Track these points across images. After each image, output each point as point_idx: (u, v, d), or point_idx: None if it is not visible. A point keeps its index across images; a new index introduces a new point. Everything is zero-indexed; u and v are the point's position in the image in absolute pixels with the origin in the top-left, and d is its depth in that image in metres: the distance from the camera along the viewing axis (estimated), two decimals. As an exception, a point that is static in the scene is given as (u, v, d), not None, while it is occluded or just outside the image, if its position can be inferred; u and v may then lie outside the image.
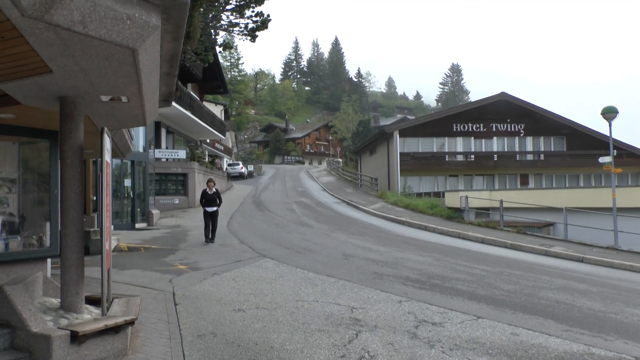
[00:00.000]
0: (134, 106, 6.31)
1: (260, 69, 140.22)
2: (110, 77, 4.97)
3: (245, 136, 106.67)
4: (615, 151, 18.00)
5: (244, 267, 11.83)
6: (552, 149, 38.85)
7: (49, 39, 3.94)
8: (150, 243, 15.71)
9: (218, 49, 23.78)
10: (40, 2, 3.39)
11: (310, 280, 10.44)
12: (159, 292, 9.23)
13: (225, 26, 17.61)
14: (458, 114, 38.57)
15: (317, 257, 13.33)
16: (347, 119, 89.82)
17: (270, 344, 6.43)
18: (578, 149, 37.96)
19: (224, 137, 45.32)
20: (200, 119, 33.05)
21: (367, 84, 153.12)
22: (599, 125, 36.63)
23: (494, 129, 38.03)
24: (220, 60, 45.43)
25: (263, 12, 17.35)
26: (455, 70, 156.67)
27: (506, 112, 37.80)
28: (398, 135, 35.83)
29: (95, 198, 16.44)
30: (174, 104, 24.70)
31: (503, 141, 38.39)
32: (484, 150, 37.87)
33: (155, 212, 22.19)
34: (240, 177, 53.02)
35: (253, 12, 17.23)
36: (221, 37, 18.27)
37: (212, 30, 17.80)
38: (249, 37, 17.78)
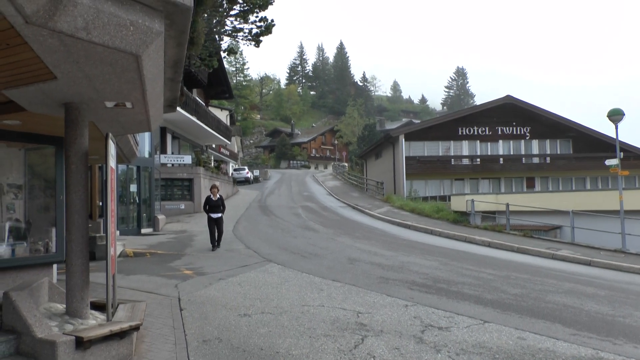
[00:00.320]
0: (138, 112, 6.32)
1: (265, 74, 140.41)
2: (114, 83, 4.98)
3: (251, 141, 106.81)
4: (622, 153, 17.89)
5: (249, 272, 11.82)
6: (559, 152, 38.68)
7: (52, 46, 3.95)
8: (156, 248, 15.73)
9: (223, 54, 23.83)
10: (44, 9, 3.40)
11: (316, 285, 10.42)
12: (165, 297, 9.23)
13: (230, 31, 17.65)
14: (464, 117, 38.48)
15: (322, 261, 13.31)
16: (353, 123, 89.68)
17: (276, 349, 6.42)
18: (584, 152, 37.77)
19: (229, 142, 45.38)
20: (205, 124, 33.11)
21: (372, 88, 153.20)
22: (606, 128, 36.49)
23: (499, 132, 37.91)
24: (226, 66, 45.50)
25: (267, 17, 17.40)
26: (461, 74, 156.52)
27: (512, 115, 37.68)
28: (404, 139, 35.76)
29: (101, 204, 16.49)
30: (179, 109, 24.76)
31: (509, 144, 38.26)
32: (489, 153, 37.75)
33: (161, 217, 22.23)
34: (246, 182, 53.07)
35: (257, 17, 17.26)
36: (225, 42, 18.31)
37: (217, 36, 17.84)
38: (253, 42, 17.81)
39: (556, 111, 38.66)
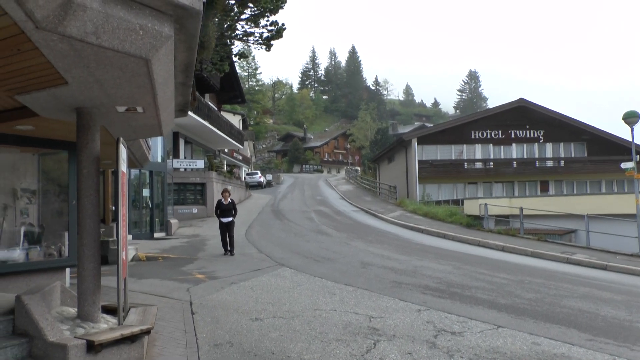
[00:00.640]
0: (149, 116, 6.34)
1: (277, 78, 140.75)
2: (125, 87, 4.99)
3: (264, 145, 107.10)
4: (638, 156, 17.66)
5: (262, 276, 11.81)
6: (573, 155, 38.34)
7: (63, 51, 3.97)
8: (168, 252, 15.78)
9: (234, 58, 23.92)
10: (54, 14, 3.42)
11: (328, 289, 10.38)
12: (177, 301, 9.23)
13: (241, 36, 17.68)
14: (476, 120, 38.28)
15: (335, 265, 13.28)
16: (365, 127, 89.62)
17: (288, 353, 6.39)
18: (599, 155, 37.38)
19: (242, 147, 45.53)
20: (218, 128, 33.24)
21: (384, 92, 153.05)
22: (620, 131, 35.98)
23: (512, 136, 37.66)
24: (238, 71, 45.73)
25: (278, 21, 17.39)
26: (473, 77, 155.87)
27: (525, 118, 37.42)
28: (416, 143, 35.64)
29: (114, 208, 16.57)
30: (191, 114, 24.88)
31: (522, 148, 37.98)
32: (503, 157, 37.51)
33: (173, 221, 22.31)
34: (258, 186, 53.18)
35: (268, 21, 17.26)
36: (236, 46, 18.33)
37: (228, 40, 17.88)
38: (264, 46, 17.84)
39: (570, 114, 38.37)
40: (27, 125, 7.02)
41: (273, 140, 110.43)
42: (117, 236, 6.36)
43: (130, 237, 17.34)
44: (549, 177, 37.96)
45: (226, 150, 47.30)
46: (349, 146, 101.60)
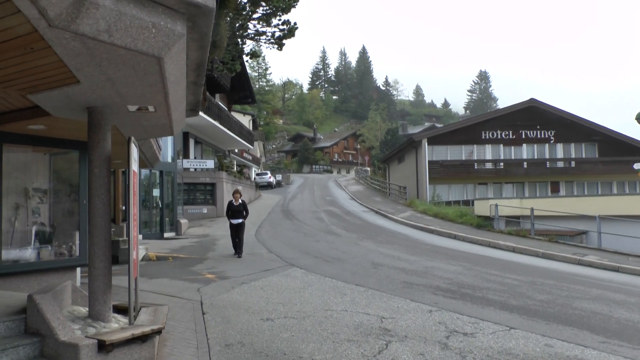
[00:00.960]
0: (161, 116, 6.33)
1: (288, 78, 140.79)
2: (136, 86, 4.98)
3: (274, 146, 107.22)
4: (650, 157, 17.55)
5: (272, 276, 11.79)
6: (584, 156, 38.01)
7: (75, 49, 3.96)
8: (178, 252, 15.81)
9: (245, 58, 23.95)
10: (67, 12, 3.41)
11: (339, 290, 10.35)
12: (187, 301, 9.23)
13: (252, 35, 17.69)
14: (487, 121, 38.07)
15: (345, 266, 13.24)
16: (375, 127, 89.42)
17: (299, 353, 6.36)
18: (610, 155, 37.05)
19: (252, 147, 45.58)
20: (228, 129, 33.29)
21: (394, 92, 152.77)
22: (632, 131, 35.54)
23: (523, 136, 37.41)
24: (248, 71, 45.71)
25: (290, 20, 17.37)
26: (483, 78, 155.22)
27: (536, 118, 37.16)
28: (426, 143, 35.51)
29: (124, 208, 16.62)
30: (202, 114, 24.89)
31: (533, 148, 37.72)
32: (513, 157, 37.27)
33: (183, 221, 22.36)
34: (268, 186, 53.22)
35: (280, 20, 17.26)
36: (248, 46, 18.27)
37: (239, 39, 17.89)
38: (276, 46, 17.83)
39: (582, 115, 38.08)
40: (39, 125, 7.04)
41: (283, 141, 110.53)
42: (129, 236, 6.35)
43: (140, 236, 17.37)
44: (559, 178, 37.69)
45: (236, 151, 47.38)
46: (358, 146, 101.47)
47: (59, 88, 5.06)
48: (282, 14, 16.95)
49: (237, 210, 15.19)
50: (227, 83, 33.47)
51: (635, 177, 27.63)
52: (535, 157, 37.54)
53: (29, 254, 8.27)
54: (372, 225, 23.87)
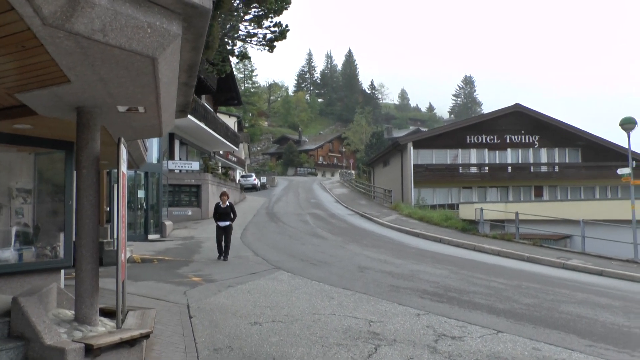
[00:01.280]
0: (151, 117, 6.26)
1: (273, 80, 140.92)
2: (128, 87, 4.92)
3: (259, 148, 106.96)
4: (634, 162, 17.72)
5: (258, 279, 11.73)
6: (567, 161, 38.44)
7: (68, 48, 3.89)
8: (163, 254, 15.67)
9: (234, 60, 23.90)
10: (62, 10, 3.34)
11: (326, 293, 10.32)
12: (174, 304, 9.15)
13: (244, 36, 17.60)
14: (472, 125, 38.35)
15: (332, 269, 13.21)
16: (360, 130, 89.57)
17: (289, 358, 6.31)
18: (593, 161, 37.52)
19: (237, 149, 45.42)
20: (214, 130, 33.14)
21: (380, 96, 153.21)
22: (615, 137, 36.05)
23: (508, 141, 37.72)
24: (234, 72, 45.56)
25: (281, 23, 17.31)
26: (468, 82, 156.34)
27: (520, 123, 37.51)
28: (412, 147, 35.64)
29: (108, 209, 16.44)
30: (188, 115, 24.74)
31: (517, 153, 38.05)
32: (498, 162, 37.57)
33: (168, 223, 22.20)
34: (253, 188, 53.02)
35: (271, 22, 17.19)
36: (238, 47, 18.12)
37: (230, 41, 17.79)
38: (267, 48, 17.75)
39: (566, 120, 38.50)
40: (25, 124, 6.92)
41: (268, 143, 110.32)
42: (117, 237, 6.27)
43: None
44: (543, 183, 38.06)
45: (221, 152, 47.19)
46: (343, 149, 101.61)
47: (49, 87, 4.96)
48: (274, 16, 16.88)
49: (224, 213, 15.01)
50: (214, 84, 33.32)
51: (617, 182, 27.91)
52: (520, 161, 37.88)
53: (11, 255, 8.12)
54: (357, 229, 23.88)
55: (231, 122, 50.32)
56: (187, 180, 28.00)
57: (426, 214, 27.04)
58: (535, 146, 37.99)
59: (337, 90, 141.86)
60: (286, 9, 16.91)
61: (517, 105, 37.58)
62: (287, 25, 17.45)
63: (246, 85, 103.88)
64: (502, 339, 7.50)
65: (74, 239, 7.32)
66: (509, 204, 24.91)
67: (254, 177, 56.98)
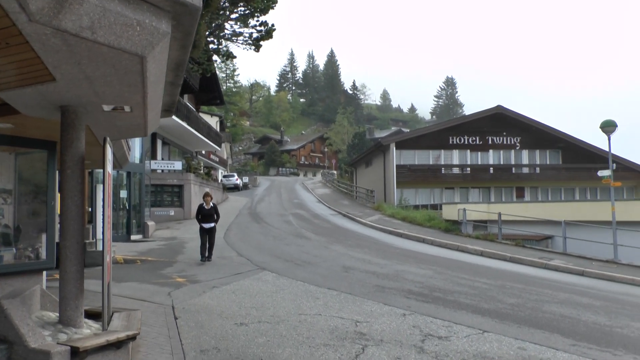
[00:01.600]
0: (136, 116, 6.19)
1: (255, 80, 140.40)
2: (115, 85, 4.85)
3: (240, 148, 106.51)
4: (614, 165, 17.95)
5: (243, 279, 11.67)
6: (548, 162, 38.92)
7: (55, 46, 3.82)
8: (146, 255, 15.53)
9: (218, 59, 23.76)
10: (49, 7, 3.28)
11: (311, 294, 10.29)
12: (158, 305, 9.05)
13: (229, 35, 17.51)
14: (454, 126, 38.61)
15: (316, 269, 13.19)
16: (342, 131, 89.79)
17: (276, 358, 6.28)
18: (573, 162, 38.03)
19: (219, 149, 45.21)
20: (196, 130, 32.93)
21: (362, 97, 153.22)
22: (595, 139, 36.44)
23: (490, 142, 38.04)
24: (217, 72, 45.34)
25: (267, 22, 17.24)
26: (450, 84, 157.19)
27: (502, 125, 37.86)
28: (395, 148, 35.76)
29: (90, 209, 16.26)
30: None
31: (499, 154, 38.40)
32: (480, 163, 37.89)
33: (150, 223, 22.01)
34: (235, 188, 52.77)
35: (258, 21, 17.13)
36: (224, 46, 17.97)
37: (215, 40, 17.67)
38: (253, 47, 17.66)
39: (547, 122, 38.96)
40: (5, 124, 6.79)
41: (250, 143, 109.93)
42: (103, 238, 6.19)
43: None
44: (524, 184, 38.47)
45: (203, 152, 46.92)
46: (325, 150, 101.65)
47: (33, 85, 4.88)
48: (260, 15, 16.80)
49: (208, 214, 14.76)
50: (196, 83, 33.08)
51: (597, 184, 28.28)
52: (502, 162, 38.24)
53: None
54: (340, 229, 23.88)
55: (213, 122, 50.06)
56: (169, 180, 27.79)
57: (409, 214, 27.12)
58: (517, 148, 38.38)
59: (319, 90, 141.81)
60: (272, 8, 16.84)
61: (498, 107, 37.92)
62: (273, 25, 17.39)
63: (228, 84, 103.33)
64: (487, 338, 7.53)
65: (56, 239, 7.21)
66: (492, 204, 25.10)
67: (236, 177, 56.71)
